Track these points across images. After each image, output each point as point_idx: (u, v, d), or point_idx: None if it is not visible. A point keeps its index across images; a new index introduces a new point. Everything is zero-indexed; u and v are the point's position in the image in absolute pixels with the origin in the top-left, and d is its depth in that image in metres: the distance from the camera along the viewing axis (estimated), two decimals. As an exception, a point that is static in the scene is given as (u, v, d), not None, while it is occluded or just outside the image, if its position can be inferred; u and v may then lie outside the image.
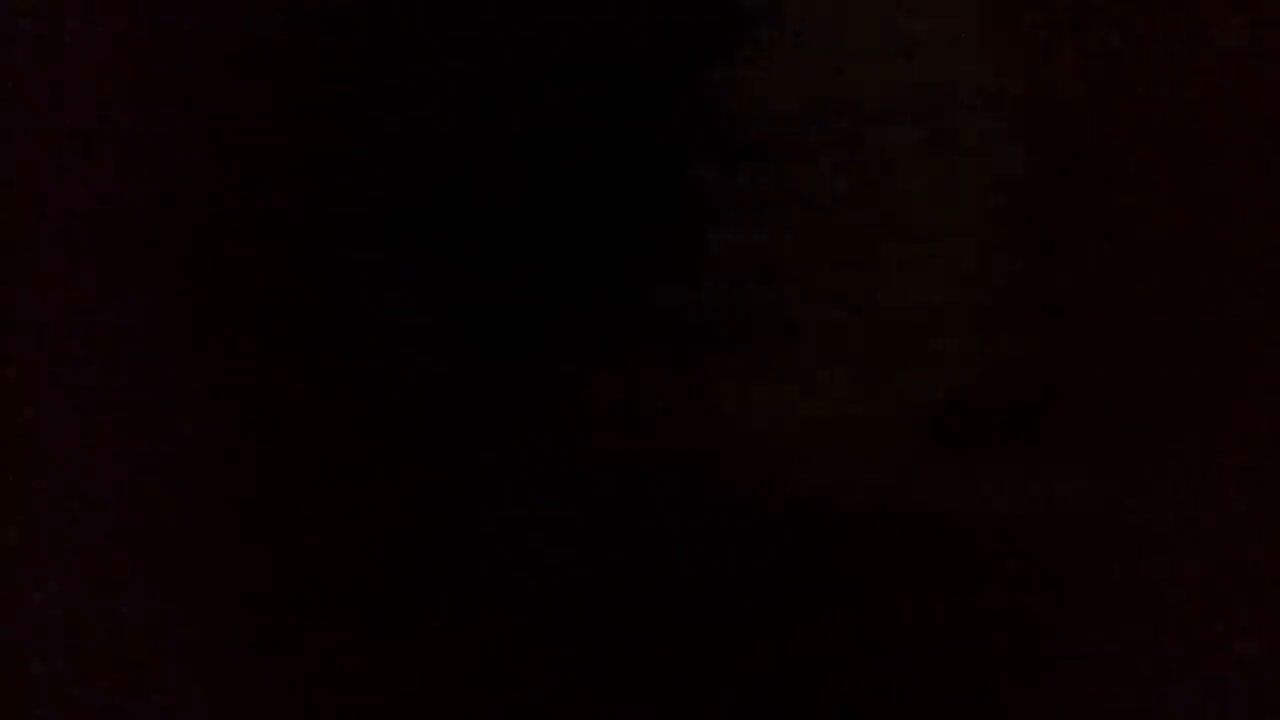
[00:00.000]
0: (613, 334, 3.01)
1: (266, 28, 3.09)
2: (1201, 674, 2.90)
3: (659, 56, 3.05)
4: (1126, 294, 2.97)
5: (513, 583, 2.97)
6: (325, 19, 3.05)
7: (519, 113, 3.04)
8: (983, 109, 3.01)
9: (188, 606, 3.01)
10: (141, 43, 3.11)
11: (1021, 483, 2.93)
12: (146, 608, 3.01)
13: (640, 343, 3.01)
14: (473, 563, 2.98)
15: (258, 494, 3.02)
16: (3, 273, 3.07)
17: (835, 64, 3.02)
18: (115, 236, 3.08)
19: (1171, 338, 2.96)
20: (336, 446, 3.02)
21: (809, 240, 3.01)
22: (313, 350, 3.04)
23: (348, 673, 2.98)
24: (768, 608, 2.96)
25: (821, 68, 3.02)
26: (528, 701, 2.95)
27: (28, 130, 3.09)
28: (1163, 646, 2.92)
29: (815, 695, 2.93)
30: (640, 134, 3.02)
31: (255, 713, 2.98)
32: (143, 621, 3.01)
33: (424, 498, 3.00)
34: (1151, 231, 2.97)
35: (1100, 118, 3.00)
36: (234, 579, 3.01)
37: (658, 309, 3.00)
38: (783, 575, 2.96)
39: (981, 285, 2.98)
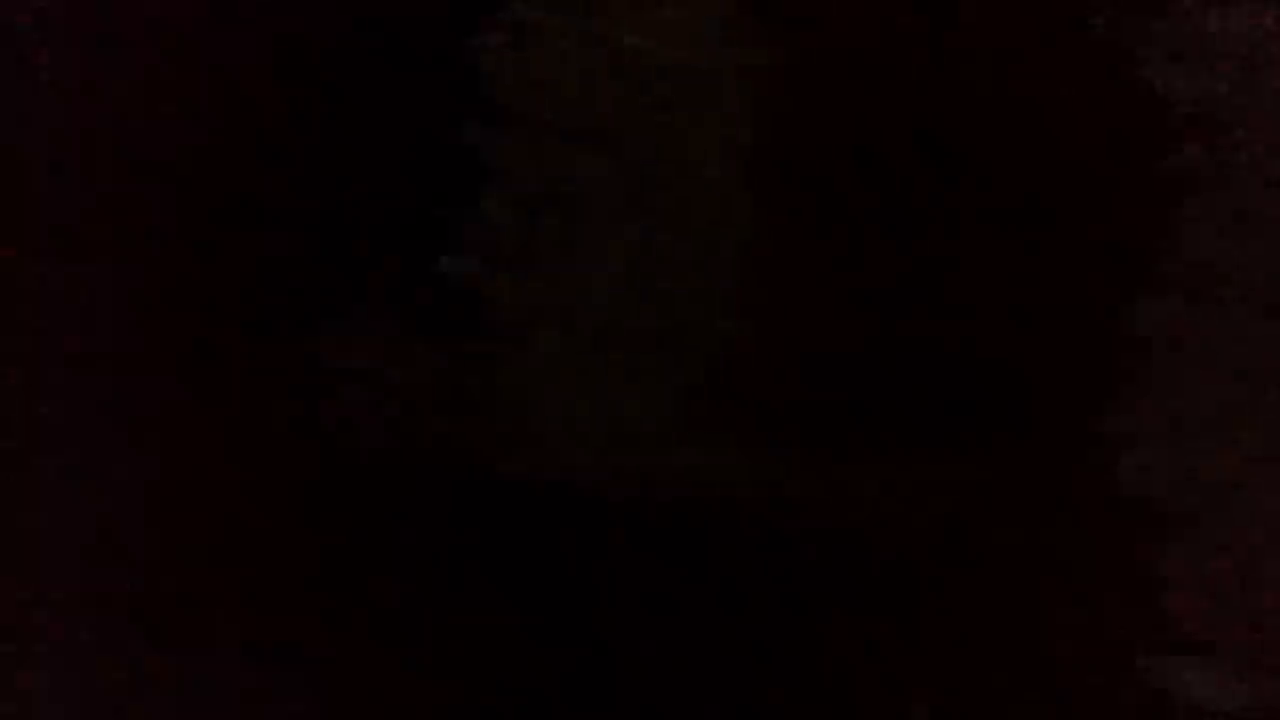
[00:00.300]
0: (367, 311, 3.02)
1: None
2: (943, 659, 2.94)
3: (421, 23, 3.04)
4: (883, 281, 2.99)
5: (259, 568, 2.99)
6: None
7: (273, 81, 3.04)
8: (738, 91, 3.01)
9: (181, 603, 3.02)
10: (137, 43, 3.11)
11: (774, 468, 2.96)
12: (144, 601, 3.02)
13: (395, 322, 3.01)
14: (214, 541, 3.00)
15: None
16: (3, 272, 3.07)
17: (602, 44, 3.01)
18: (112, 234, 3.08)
19: (924, 322, 2.98)
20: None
21: (568, 222, 2.99)
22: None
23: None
24: (519, 593, 2.98)
25: (584, 45, 3.01)
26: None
27: (26, 129, 3.10)
28: (903, 633, 2.95)
29: (568, 676, 2.96)
30: (400, 105, 3.02)
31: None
32: (141, 617, 3.02)
33: (163, 481, 3.03)
34: (907, 217, 2.99)
35: (856, 100, 3.02)
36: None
37: (412, 287, 3.01)
38: (536, 559, 2.98)
39: (737, 271, 2.98)
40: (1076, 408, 2.94)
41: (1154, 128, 2.96)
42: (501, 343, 2.99)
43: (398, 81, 3.02)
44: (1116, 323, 2.95)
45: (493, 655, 2.95)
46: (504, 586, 2.95)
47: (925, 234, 2.98)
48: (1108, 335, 2.95)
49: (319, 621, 2.97)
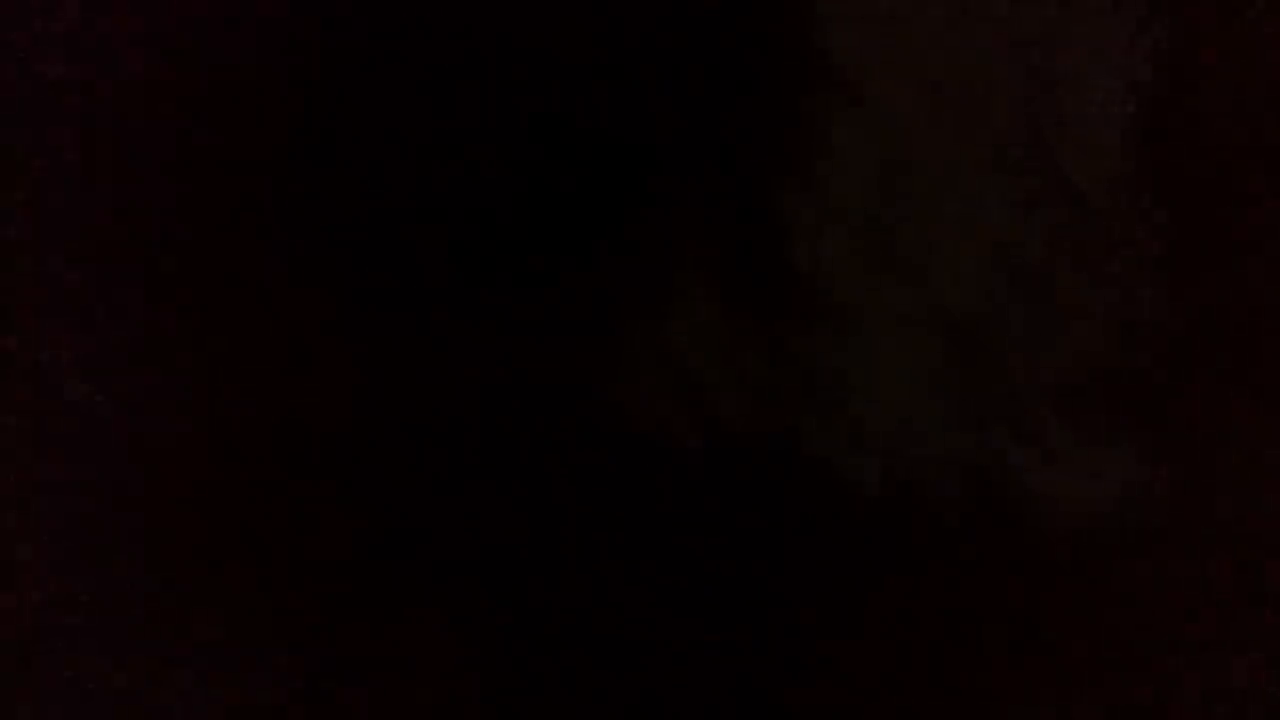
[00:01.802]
0: (697, 293, 2.92)
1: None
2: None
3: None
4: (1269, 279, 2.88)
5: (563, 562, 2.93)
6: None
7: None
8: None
9: (186, 601, 3.02)
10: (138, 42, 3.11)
11: (1136, 472, 2.85)
12: (145, 604, 3.02)
13: (728, 303, 2.91)
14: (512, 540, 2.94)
15: (253, 483, 3.02)
16: (3, 269, 3.07)
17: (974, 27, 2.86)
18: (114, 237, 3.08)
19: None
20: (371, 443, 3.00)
21: (918, 201, 2.84)
22: (321, 342, 3.03)
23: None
24: (849, 588, 2.88)
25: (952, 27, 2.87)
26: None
27: (27, 128, 3.10)
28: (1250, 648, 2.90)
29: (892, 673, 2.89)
30: (736, 77, 2.90)
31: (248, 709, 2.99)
32: (141, 616, 3.01)
33: (462, 462, 2.97)
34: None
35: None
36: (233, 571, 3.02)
37: (743, 267, 2.89)
38: (866, 555, 2.88)
39: (1112, 262, 2.84)
40: None
41: None
42: (833, 331, 2.85)
43: (734, 56, 2.91)
44: None
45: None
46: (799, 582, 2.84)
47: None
48: None
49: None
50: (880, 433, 2.87)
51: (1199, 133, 2.87)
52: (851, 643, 2.88)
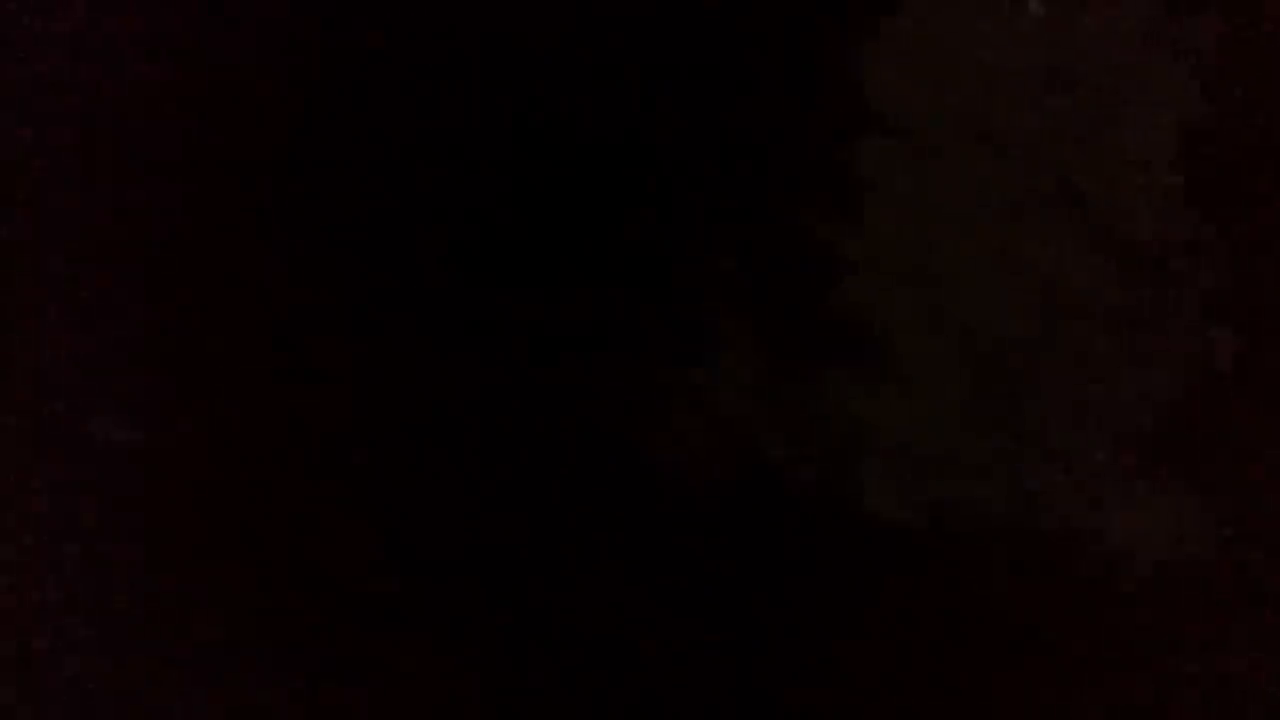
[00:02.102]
0: (743, 338, 2.89)
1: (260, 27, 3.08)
2: None
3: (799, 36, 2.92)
4: None
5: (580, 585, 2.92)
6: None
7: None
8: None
9: (187, 604, 3.01)
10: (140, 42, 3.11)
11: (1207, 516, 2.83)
12: (145, 604, 3.01)
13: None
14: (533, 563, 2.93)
15: (260, 491, 3.01)
16: (4, 269, 3.07)
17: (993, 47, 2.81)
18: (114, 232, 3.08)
19: None
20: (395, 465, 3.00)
21: (952, 235, 2.83)
22: (336, 354, 3.02)
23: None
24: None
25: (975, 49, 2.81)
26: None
27: (28, 127, 3.09)
28: None
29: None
30: (776, 116, 2.87)
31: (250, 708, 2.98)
32: (141, 617, 3.01)
33: (480, 495, 2.96)
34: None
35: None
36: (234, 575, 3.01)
37: (787, 311, 2.87)
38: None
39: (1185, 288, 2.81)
40: None
41: None
42: (874, 367, 2.83)
43: (769, 91, 2.89)
44: None
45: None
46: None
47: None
48: None
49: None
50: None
51: (1235, 145, 2.86)
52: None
